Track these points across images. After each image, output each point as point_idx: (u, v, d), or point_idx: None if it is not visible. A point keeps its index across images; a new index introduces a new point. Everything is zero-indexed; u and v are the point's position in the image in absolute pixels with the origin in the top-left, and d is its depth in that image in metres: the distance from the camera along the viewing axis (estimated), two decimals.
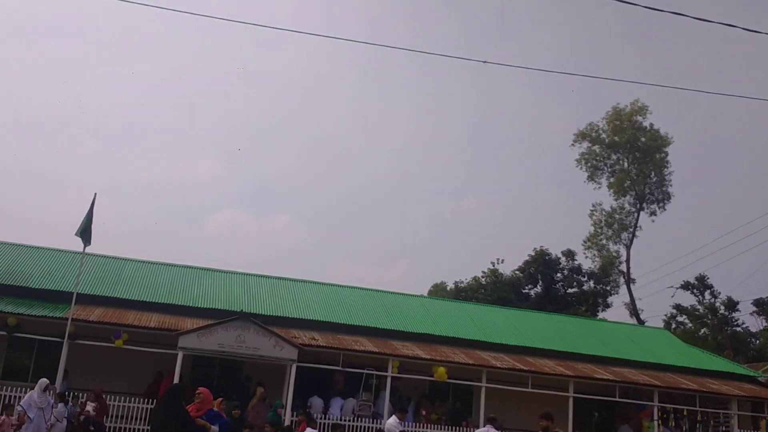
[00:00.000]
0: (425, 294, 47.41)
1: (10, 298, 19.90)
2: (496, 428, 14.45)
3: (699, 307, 44.66)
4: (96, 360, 19.54)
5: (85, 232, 18.28)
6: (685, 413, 23.23)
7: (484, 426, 13.23)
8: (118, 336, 18.80)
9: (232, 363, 21.77)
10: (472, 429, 20.12)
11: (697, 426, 23.31)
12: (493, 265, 47.77)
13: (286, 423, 17.01)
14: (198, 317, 20.77)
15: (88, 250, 19.22)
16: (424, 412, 21.47)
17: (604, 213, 47.75)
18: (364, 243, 78.56)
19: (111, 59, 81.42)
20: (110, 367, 19.86)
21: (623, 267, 46.82)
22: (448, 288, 52.64)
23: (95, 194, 18.69)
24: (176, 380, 18.14)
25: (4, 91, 76.52)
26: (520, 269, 46.33)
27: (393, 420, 13.62)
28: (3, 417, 14.39)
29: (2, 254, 22.71)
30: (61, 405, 16.07)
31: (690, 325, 44.75)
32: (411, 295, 28.96)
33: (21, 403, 15.02)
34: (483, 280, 47.30)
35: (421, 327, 24.05)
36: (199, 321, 20.04)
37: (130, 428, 18.37)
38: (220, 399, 14.85)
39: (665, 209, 47.14)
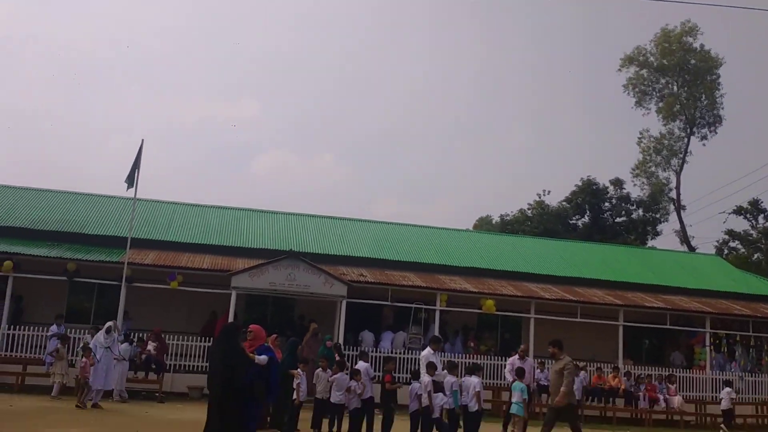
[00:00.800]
0: (470, 229, 47.41)
1: (68, 244, 20.60)
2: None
3: (752, 232, 43.71)
4: (153, 302, 20.23)
5: (131, 178, 18.70)
6: (738, 339, 23.07)
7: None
8: (173, 278, 19.35)
9: (284, 301, 22.32)
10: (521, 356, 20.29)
11: (751, 351, 23.16)
12: (539, 197, 47.41)
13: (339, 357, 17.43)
14: (249, 257, 21.20)
15: (140, 195, 19.71)
16: (472, 344, 21.76)
17: (652, 139, 46.60)
18: (408, 180, 78.46)
19: (151, 3, 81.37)
20: (167, 308, 20.56)
21: (673, 194, 45.94)
22: (494, 222, 52.50)
23: (142, 140, 19.03)
24: (231, 319, 18.71)
25: (50, 43, 77.41)
26: (567, 200, 45.81)
27: (427, 351, 13.88)
28: (84, 359, 15.07)
29: (58, 203, 23.42)
30: (126, 344, 16.79)
31: (743, 250, 43.92)
32: (457, 230, 29.02)
33: (90, 344, 15.72)
34: (529, 212, 47.00)
35: (468, 261, 24.16)
36: (250, 261, 20.46)
37: (188, 365, 19.11)
38: (275, 336, 15.32)
39: (716, 133, 45.80)
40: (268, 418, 13.02)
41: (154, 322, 19.38)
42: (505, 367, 17.23)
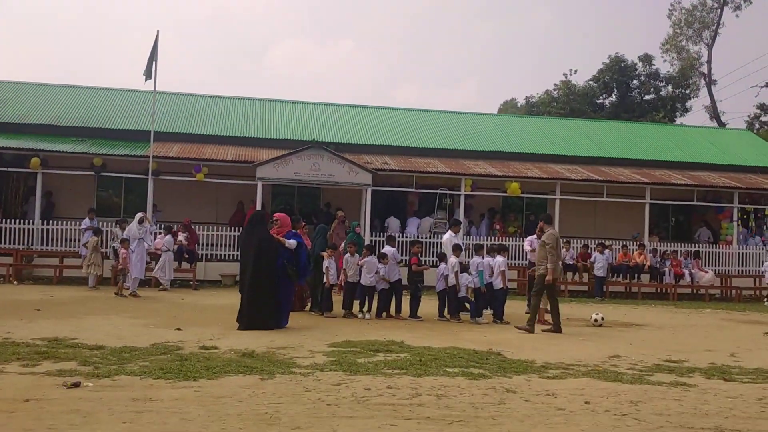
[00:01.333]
0: (495, 113, 46.73)
1: (93, 139, 20.77)
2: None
3: None
4: (181, 194, 20.54)
5: (149, 70, 18.53)
6: (766, 212, 22.95)
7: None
8: (198, 170, 19.52)
9: (310, 191, 22.52)
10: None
11: None
12: (566, 77, 46.30)
13: (366, 243, 17.72)
14: (273, 148, 21.24)
15: (159, 88, 19.53)
16: (498, 227, 21.93)
17: (684, 11, 44.70)
18: (431, 65, 76.93)
19: None
20: (195, 200, 20.88)
21: (704, 68, 44.52)
22: (519, 105, 51.63)
23: (157, 32, 18.70)
24: (258, 208, 18.98)
25: None
26: (594, 79, 44.65)
27: (448, 235, 14.07)
28: (124, 251, 15.50)
29: (80, 99, 23.41)
30: (168, 236, 17.19)
31: None
32: (481, 114, 28.62)
33: (123, 236, 16.14)
34: (555, 93, 46.02)
35: (492, 145, 23.97)
36: (274, 152, 20.51)
37: (219, 254, 19.61)
38: (304, 224, 15.60)
39: (751, 2, 43.72)
40: (309, 301, 13.51)
41: (183, 213, 19.72)
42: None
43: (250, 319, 10.37)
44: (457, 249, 13.12)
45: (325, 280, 12.82)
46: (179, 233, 18.36)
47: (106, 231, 18.35)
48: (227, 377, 6.82)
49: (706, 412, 6.16)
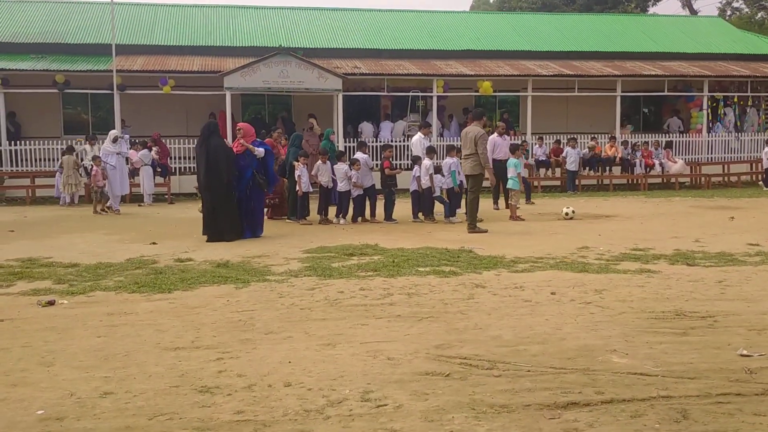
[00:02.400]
0: (467, 10, 45.69)
1: (53, 55, 20.13)
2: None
3: None
4: (150, 108, 20.19)
5: None
6: (735, 100, 23.08)
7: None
8: (164, 82, 19.10)
9: (280, 99, 22.21)
10: (520, 137, 20.54)
11: (748, 111, 23.24)
12: None
13: (340, 149, 17.67)
14: (240, 56, 20.72)
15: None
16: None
17: None
18: None
19: None
20: (164, 113, 20.53)
21: None
22: (491, 1, 50.49)
23: None
24: (228, 119, 18.76)
25: None
26: None
27: (417, 136, 14.08)
28: (95, 168, 15.35)
29: (35, 13, 22.50)
30: (145, 150, 17.06)
31: (746, 10, 42.50)
32: (452, 12, 27.99)
33: (100, 155, 15.94)
34: None
35: (464, 44, 23.56)
36: (240, 60, 20.04)
37: (192, 167, 19.43)
38: (278, 132, 15.50)
39: None
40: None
41: (153, 128, 19.40)
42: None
43: (213, 230, 10.40)
44: (431, 151, 13.22)
45: (297, 188, 12.85)
46: (150, 148, 18.16)
47: (77, 148, 18.08)
48: (202, 288, 6.94)
49: (668, 297, 6.40)
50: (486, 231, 11.14)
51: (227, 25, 23.18)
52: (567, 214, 12.83)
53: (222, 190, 10.43)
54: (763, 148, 20.42)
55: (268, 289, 6.88)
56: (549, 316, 5.73)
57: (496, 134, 15.07)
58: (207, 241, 10.27)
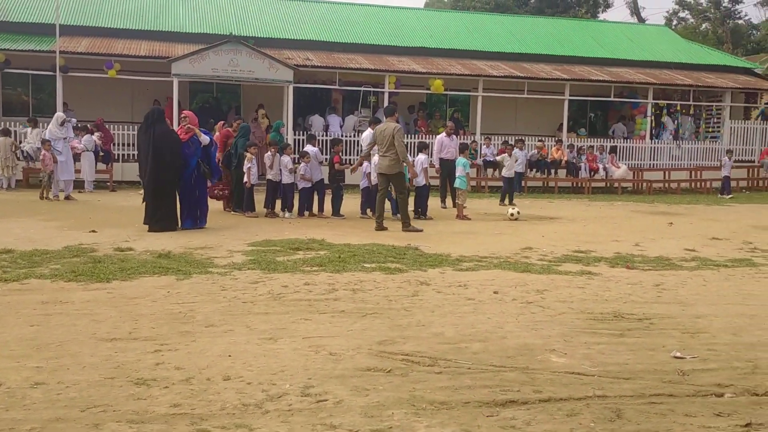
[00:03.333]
0: (421, 7, 45.82)
1: None
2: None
3: (702, 0, 43.28)
4: (94, 92, 19.65)
5: None
6: (678, 108, 23.73)
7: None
8: (110, 66, 18.61)
9: (230, 88, 21.90)
10: (470, 136, 20.73)
11: (690, 119, 23.93)
12: None
13: (288, 141, 17.53)
14: (189, 42, 20.37)
15: None
16: (419, 122, 21.99)
17: None
18: None
19: None
20: (109, 98, 20.02)
21: None
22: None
23: None
24: (175, 108, 18.39)
25: None
26: None
27: (367, 132, 14.10)
28: (43, 152, 14.80)
29: None
30: (87, 135, 16.59)
31: (692, 20, 43.76)
32: (406, 8, 28.07)
33: (45, 137, 15.41)
34: None
35: (417, 41, 23.63)
36: (189, 47, 19.68)
37: (136, 154, 19.03)
38: (222, 122, 15.26)
39: None
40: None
41: (96, 112, 18.92)
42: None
43: (154, 219, 10.19)
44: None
45: (246, 179, 12.69)
46: (93, 133, 17.70)
47: (15, 131, 17.51)
48: (142, 278, 6.79)
49: (607, 299, 6.54)
50: (421, 230, 11.10)
51: (177, 11, 22.73)
52: (512, 215, 12.99)
53: (167, 179, 10.22)
54: (706, 157, 21.01)
55: (210, 281, 6.77)
56: (491, 314, 5.78)
57: (444, 134, 15.20)
58: (149, 230, 10.05)
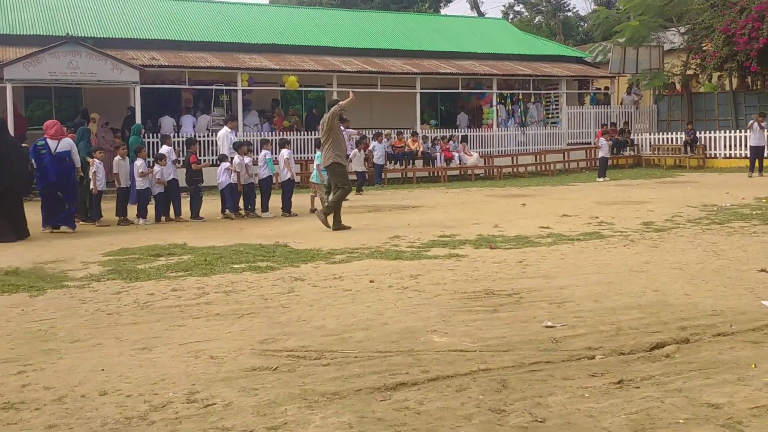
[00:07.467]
0: (267, 3, 45.27)
1: None
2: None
3: None
4: None
5: None
6: (520, 97, 24.99)
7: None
8: None
9: (70, 92, 20.60)
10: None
11: (535, 106, 25.25)
12: None
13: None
14: (21, 45, 18.95)
15: None
16: (276, 119, 21.77)
17: None
18: None
19: None
20: None
21: None
22: None
23: None
24: (10, 115, 17.06)
25: None
26: None
27: (224, 130, 13.92)
28: None
29: None
30: None
31: (526, 14, 46.22)
32: (251, 4, 27.60)
33: None
34: None
35: (267, 37, 23.31)
36: (22, 50, 18.32)
37: None
38: (65, 128, 14.30)
39: None
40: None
41: None
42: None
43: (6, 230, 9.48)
44: (244, 145, 13.06)
45: (92, 186, 11.97)
46: None
47: None
48: None
49: (477, 278, 6.76)
50: (350, 227, 10.71)
51: (6, 12, 21.05)
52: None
53: (13, 190, 9.50)
54: (549, 141, 22.16)
55: (67, 295, 6.35)
56: (370, 303, 5.82)
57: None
58: None
